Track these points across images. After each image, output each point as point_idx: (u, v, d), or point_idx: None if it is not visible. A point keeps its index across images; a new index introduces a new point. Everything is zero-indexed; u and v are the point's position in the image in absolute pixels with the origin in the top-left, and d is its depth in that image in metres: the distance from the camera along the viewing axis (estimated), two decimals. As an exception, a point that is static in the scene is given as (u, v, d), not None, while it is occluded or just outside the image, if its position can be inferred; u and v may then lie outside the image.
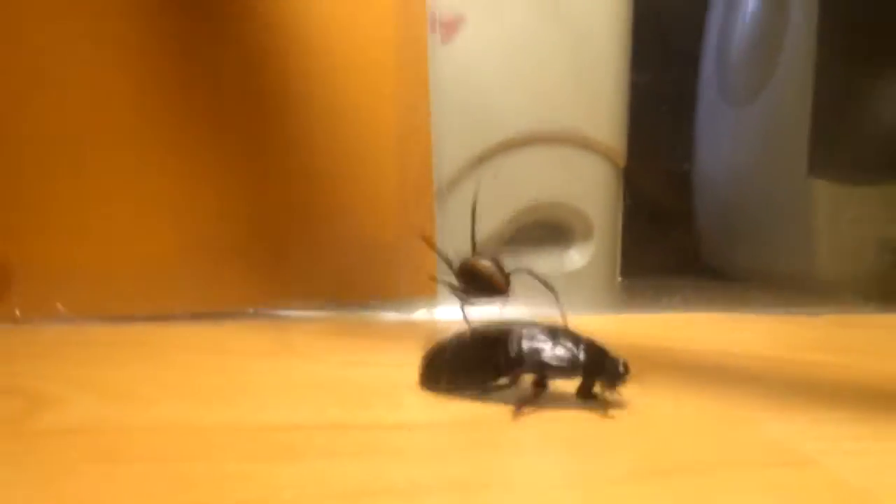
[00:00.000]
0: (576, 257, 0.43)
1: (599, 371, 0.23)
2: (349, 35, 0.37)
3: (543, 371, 0.23)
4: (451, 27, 0.40)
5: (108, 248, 0.35)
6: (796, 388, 0.26)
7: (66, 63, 0.34)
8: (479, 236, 0.40)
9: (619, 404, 0.23)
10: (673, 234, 0.59)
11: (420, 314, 0.36)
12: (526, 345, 0.23)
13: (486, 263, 0.25)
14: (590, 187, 0.43)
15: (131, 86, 0.34)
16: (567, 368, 0.23)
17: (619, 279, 0.44)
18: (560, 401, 0.24)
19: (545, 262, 0.43)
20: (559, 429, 0.21)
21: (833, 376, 0.27)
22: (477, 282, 0.25)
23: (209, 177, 0.35)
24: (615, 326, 0.27)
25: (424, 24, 0.38)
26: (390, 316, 0.36)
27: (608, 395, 0.23)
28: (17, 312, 0.34)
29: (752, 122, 0.63)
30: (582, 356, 0.23)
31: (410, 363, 0.27)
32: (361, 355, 0.30)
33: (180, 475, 0.18)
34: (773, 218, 0.61)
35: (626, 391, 0.23)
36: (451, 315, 0.35)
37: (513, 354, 0.23)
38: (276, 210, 0.36)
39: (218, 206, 0.35)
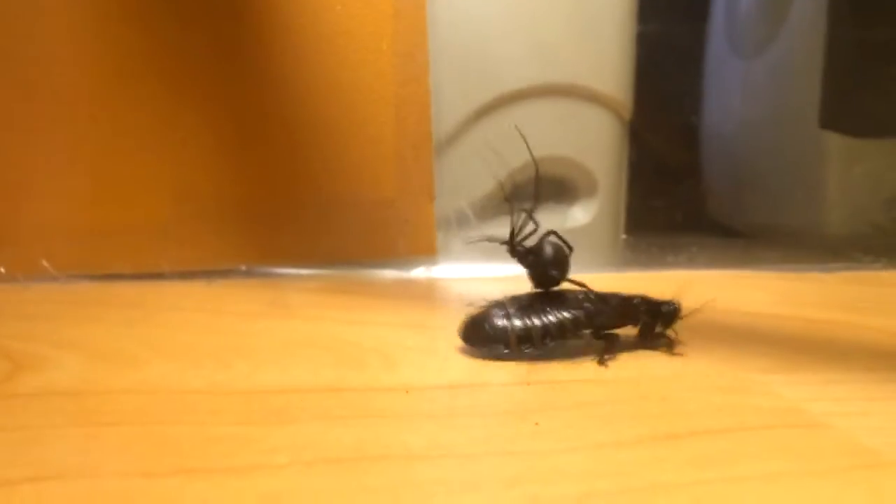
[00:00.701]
0: (579, 214, 0.42)
1: (658, 314, 0.24)
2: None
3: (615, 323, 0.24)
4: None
5: (96, 206, 0.33)
6: (806, 348, 0.25)
7: (56, 19, 0.33)
8: (479, 193, 0.40)
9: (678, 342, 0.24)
10: (680, 189, 0.58)
11: (418, 272, 0.35)
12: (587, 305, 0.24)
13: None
14: (594, 142, 0.42)
15: (122, 43, 0.33)
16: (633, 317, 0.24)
17: (624, 237, 0.43)
18: (567, 363, 0.23)
19: (548, 218, 0.42)
20: (563, 395, 0.21)
21: (843, 335, 0.26)
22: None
23: (201, 133, 0.34)
24: (620, 284, 0.26)
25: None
26: (388, 274, 0.35)
27: (670, 333, 0.25)
28: (2, 269, 0.33)
29: (761, 73, 0.61)
30: (642, 304, 0.24)
31: (407, 323, 0.27)
32: (358, 314, 0.29)
33: (168, 439, 0.17)
34: (782, 172, 0.60)
35: (635, 355, 0.23)
36: (448, 273, 0.35)
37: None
38: (270, 166, 0.35)
39: (210, 162, 0.34)
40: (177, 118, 0.34)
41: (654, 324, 0.25)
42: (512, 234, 0.25)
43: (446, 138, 0.38)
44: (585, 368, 0.23)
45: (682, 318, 0.25)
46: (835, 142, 0.56)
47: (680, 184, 0.63)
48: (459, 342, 0.24)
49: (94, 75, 0.33)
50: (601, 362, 0.23)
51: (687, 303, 0.25)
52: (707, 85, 0.67)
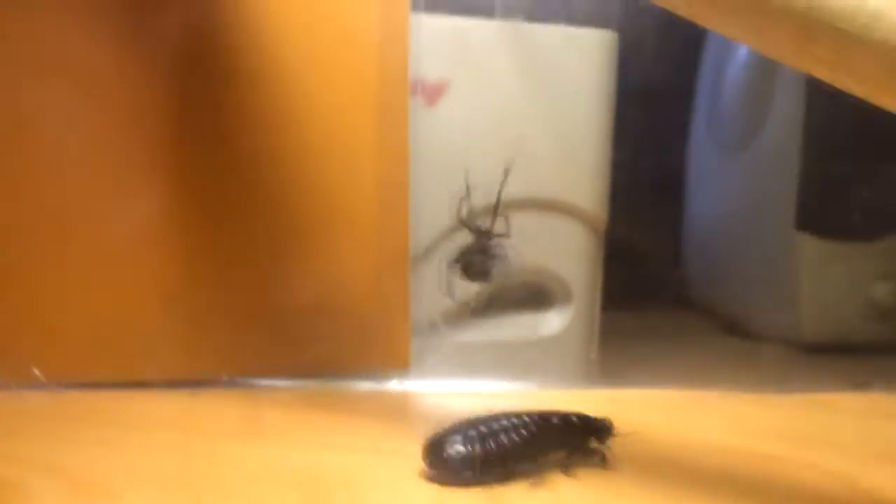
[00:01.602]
0: (554, 321, 0.44)
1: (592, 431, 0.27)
2: (329, 100, 0.37)
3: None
4: (435, 91, 0.41)
5: (86, 315, 0.35)
6: (752, 491, 0.26)
7: (52, 131, 0.35)
8: (450, 304, 0.41)
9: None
10: (656, 275, 0.60)
11: (392, 385, 0.37)
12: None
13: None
14: (570, 253, 0.43)
15: (112, 154, 0.35)
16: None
17: (593, 355, 0.44)
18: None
19: (524, 324, 0.44)
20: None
21: (786, 475, 0.27)
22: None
23: (184, 246, 0.36)
24: (585, 403, 0.28)
25: (406, 88, 0.39)
26: (362, 386, 0.36)
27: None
28: (-6, 377, 0.34)
29: (741, 171, 0.63)
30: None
31: (376, 448, 0.28)
32: (329, 436, 0.30)
33: None
34: (758, 268, 0.62)
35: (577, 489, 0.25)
36: (420, 387, 0.36)
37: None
38: (251, 280, 0.36)
39: (194, 275, 0.36)
40: (163, 231, 0.35)
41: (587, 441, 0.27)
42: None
43: (423, 251, 0.40)
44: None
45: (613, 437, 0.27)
46: (810, 243, 0.57)
47: (657, 271, 0.64)
48: (425, 469, 0.26)
49: (82, 184, 0.35)
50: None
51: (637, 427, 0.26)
52: (690, 178, 0.69)
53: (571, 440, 0.27)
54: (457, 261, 0.32)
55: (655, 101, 0.58)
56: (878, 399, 0.37)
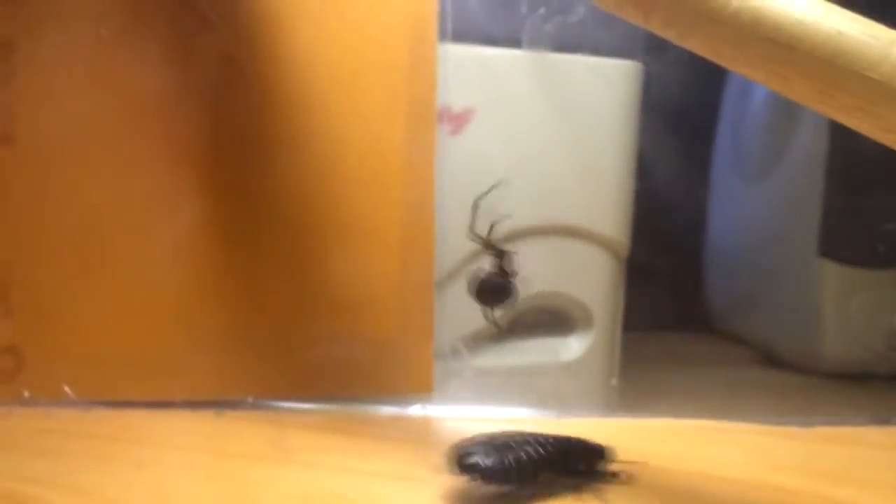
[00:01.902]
0: (575, 346, 0.44)
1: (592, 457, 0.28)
2: (358, 128, 0.38)
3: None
4: (460, 120, 0.42)
5: (115, 335, 0.36)
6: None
7: (84, 152, 0.36)
8: (477, 326, 0.42)
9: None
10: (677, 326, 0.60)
11: (415, 409, 0.37)
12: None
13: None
14: (591, 279, 0.44)
15: (142, 187, 0.36)
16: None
17: (614, 381, 0.44)
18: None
19: (545, 349, 0.44)
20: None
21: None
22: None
23: (212, 270, 0.36)
24: (604, 431, 0.28)
25: (433, 116, 0.39)
26: (385, 411, 0.37)
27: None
28: (26, 394, 0.35)
29: (764, 198, 0.64)
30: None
31: (398, 474, 0.29)
32: (352, 460, 0.31)
33: None
34: (781, 296, 0.62)
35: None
36: (443, 412, 0.37)
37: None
38: (277, 304, 0.37)
39: (221, 296, 0.36)
40: (192, 255, 0.36)
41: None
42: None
43: (447, 276, 0.40)
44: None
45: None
46: (833, 270, 0.57)
47: (680, 298, 0.65)
48: (444, 496, 0.26)
49: (114, 207, 0.36)
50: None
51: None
52: (712, 206, 0.69)
53: (579, 464, 0.28)
54: (474, 287, 0.32)
55: (679, 130, 0.58)
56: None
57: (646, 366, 0.47)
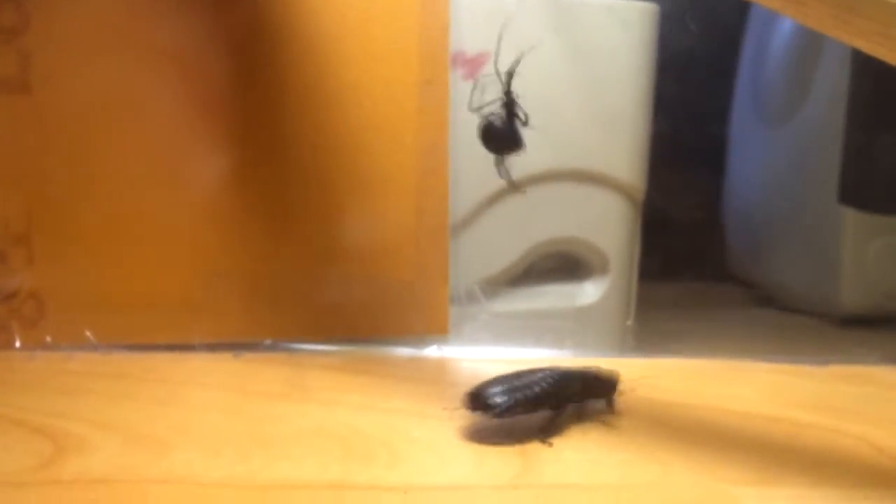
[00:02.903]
0: (591, 290, 0.44)
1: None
2: (372, 73, 0.38)
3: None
4: (474, 64, 0.41)
5: (135, 280, 0.36)
6: (785, 458, 0.26)
7: (101, 99, 0.36)
8: (492, 271, 0.42)
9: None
10: (697, 243, 0.60)
11: (431, 350, 0.38)
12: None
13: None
14: (607, 223, 0.44)
15: (159, 130, 0.36)
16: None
17: (629, 322, 0.44)
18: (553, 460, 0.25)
19: (561, 294, 0.44)
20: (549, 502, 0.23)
21: (825, 445, 0.28)
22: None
23: (230, 215, 0.37)
24: (619, 370, 0.29)
25: (446, 61, 0.39)
26: (402, 352, 0.37)
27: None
28: (49, 339, 0.36)
29: (784, 143, 0.63)
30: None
31: (415, 411, 0.29)
32: (371, 398, 0.31)
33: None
34: (801, 240, 0.62)
35: (613, 452, 0.26)
36: (458, 354, 0.37)
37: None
38: (296, 248, 0.37)
39: (240, 242, 0.37)
40: (210, 202, 0.37)
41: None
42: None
43: (461, 221, 0.40)
44: (571, 470, 0.25)
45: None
46: (851, 216, 0.57)
47: (697, 242, 0.64)
48: (459, 433, 0.27)
49: (137, 157, 0.36)
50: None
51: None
52: (732, 150, 0.69)
53: (586, 390, 0.29)
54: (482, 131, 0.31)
55: (698, 73, 0.58)
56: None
57: (662, 311, 0.48)
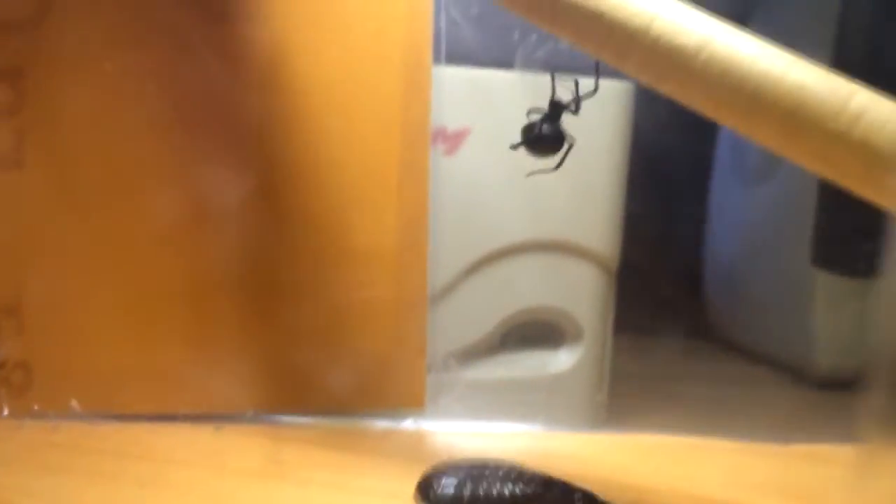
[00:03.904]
0: (564, 357, 0.45)
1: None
2: (354, 148, 0.39)
3: None
4: (455, 139, 0.43)
5: (121, 352, 0.37)
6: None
7: (91, 175, 0.37)
8: (469, 340, 0.43)
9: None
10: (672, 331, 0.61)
11: (407, 423, 0.39)
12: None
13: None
14: (582, 292, 0.45)
15: (144, 206, 0.38)
16: None
17: (600, 397, 0.46)
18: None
19: (534, 360, 0.46)
20: None
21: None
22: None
23: (212, 286, 0.38)
24: (589, 446, 0.30)
25: (427, 136, 0.40)
26: (378, 424, 0.38)
27: None
28: (36, 407, 0.37)
29: (761, 203, 0.64)
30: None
31: (388, 491, 0.30)
32: (345, 476, 0.32)
33: None
34: (777, 303, 0.63)
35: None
36: (435, 427, 0.38)
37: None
38: (276, 321, 0.38)
39: (222, 316, 0.38)
40: (194, 271, 0.38)
41: None
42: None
43: (440, 292, 0.42)
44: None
45: None
46: (825, 279, 0.58)
47: (678, 302, 0.65)
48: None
49: (120, 226, 0.38)
50: None
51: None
52: (712, 208, 0.70)
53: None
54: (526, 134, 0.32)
55: (679, 135, 0.59)
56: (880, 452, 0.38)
57: (637, 377, 0.49)
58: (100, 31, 0.37)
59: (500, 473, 0.27)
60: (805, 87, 0.23)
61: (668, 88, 0.26)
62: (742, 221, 0.67)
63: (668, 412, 0.43)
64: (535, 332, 0.45)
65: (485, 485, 0.26)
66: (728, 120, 0.25)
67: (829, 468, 0.36)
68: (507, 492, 0.26)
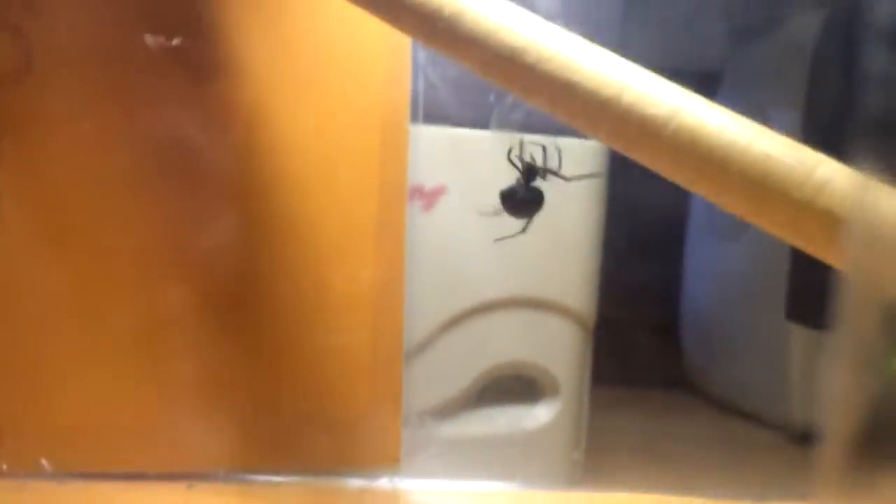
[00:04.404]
0: (542, 412, 0.45)
1: None
2: (331, 206, 0.40)
3: None
4: (432, 196, 0.43)
5: (90, 411, 0.37)
6: None
7: (61, 232, 0.37)
8: (445, 396, 0.43)
9: None
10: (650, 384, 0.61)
11: (382, 482, 0.38)
12: None
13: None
14: (558, 348, 0.45)
15: (115, 263, 0.37)
16: None
17: (576, 455, 0.46)
18: None
19: (511, 414, 0.45)
20: None
21: None
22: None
23: (185, 345, 0.38)
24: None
25: (404, 194, 0.41)
26: (354, 483, 0.38)
27: None
28: (4, 467, 0.36)
29: (736, 258, 0.65)
30: None
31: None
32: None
33: None
34: (753, 356, 0.63)
35: None
36: (410, 485, 0.38)
37: None
38: (249, 380, 0.38)
39: (194, 374, 0.38)
40: (166, 331, 0.38)
41: None
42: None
43: (416, 348, 0.42)
44: None
45: None
46: (799, 333, 0.59)
47: (657, 353, 0.66)
48: None
49: (94, 280, 0.37)
50: None
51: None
52: (687, 263, 0.71)
53: None
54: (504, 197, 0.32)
55: (653, 193, 0.60)
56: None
57: (614, 431, 0.49)
58: (80, 89, 0.37)
59: None
60: (771, 157, 0.24)
61: (639, 156, 0.26)
62: (717, 276, 0.68)
63: (645, 469, 0.43)
64: (512, 387, 0.45)
65: None
66: (697, 188, 0.26)
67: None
68: None
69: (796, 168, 0.24)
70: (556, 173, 0.31)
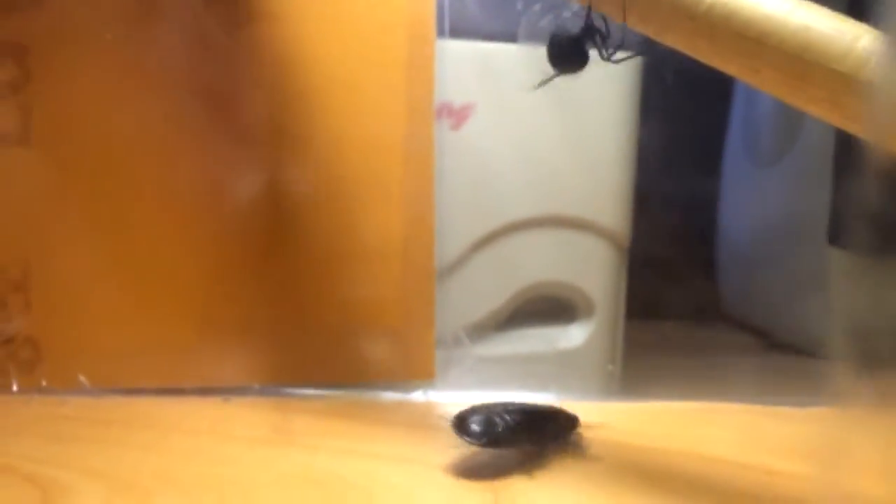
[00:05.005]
0: (576, 333, 0.45)
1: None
2: (358, 124, 0.39)
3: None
4: (461, 115, 0.43)
5: (128, 327, 0.37)
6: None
7: (98, 152, 0.37)
8: (479, 315, 0.43)
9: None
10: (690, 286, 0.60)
11: (416, 395, 0.38)
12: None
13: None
14: (593, 268, 0.45)
15: (152, 182, 0.38)
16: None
17: (611, 367, 0.45)
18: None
19: (546, 336, 0.45)
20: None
21: (795, 493, 0.28)
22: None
23: (221, 263, 0.38)
24: (599, 414, 0.30)
25: (432, 112, 0.40)
26: (388, 396, 0.38)
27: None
28: (44, 383, 0.37)
29: (775, 184, 0.64)
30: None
31: (397, 456, 0.30)
32: (354, 443, 0.32)
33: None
34: (792, 283, 0.62)
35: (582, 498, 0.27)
36: (444, 398, 0.38)
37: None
38: (285, 296, 0.38)
39: (231, 289, 0.38)
40: (202, 248, 0.38)
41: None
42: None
43: (448, 267, 0.41)
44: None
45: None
46: (841, 258, 0.57)
47: (691, 283, 0.65)
48: (438, 479, 0.28)
49: (131, 204, 0.38)
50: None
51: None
52: (724, 191, 0.69)
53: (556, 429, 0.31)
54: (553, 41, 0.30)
55: (690, 117, 0.59)
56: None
57: (649, 353, 0.48)
58: (103, 6, 0.37)
59: (513, 408, 0.30)
60: (810, 29, 0.23)
61: (673, 39, 0.26)
62: (755, 204, 0.67)
63: (681, 382, 0.42)
64: (546, 307, 0.45)
65: (507, 417, 0.29)
66: (734, 67, 0.25)
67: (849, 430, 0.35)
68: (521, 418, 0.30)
69: (837, 39, 0.23)
70: (605, 43, 0.28)
